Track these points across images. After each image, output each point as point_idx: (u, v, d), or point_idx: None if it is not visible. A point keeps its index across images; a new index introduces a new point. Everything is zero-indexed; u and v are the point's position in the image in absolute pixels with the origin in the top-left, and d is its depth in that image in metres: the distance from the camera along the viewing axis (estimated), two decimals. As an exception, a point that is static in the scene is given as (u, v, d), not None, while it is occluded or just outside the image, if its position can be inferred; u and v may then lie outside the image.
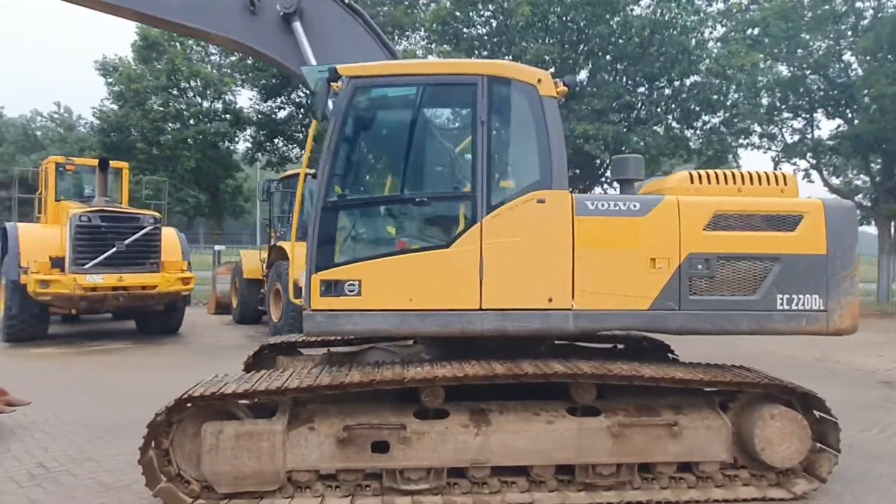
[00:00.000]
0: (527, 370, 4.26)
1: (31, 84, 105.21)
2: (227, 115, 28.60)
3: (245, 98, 28.85)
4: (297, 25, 5.43)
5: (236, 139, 29.50)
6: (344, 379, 4.21)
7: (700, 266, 4.53)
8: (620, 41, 20.14)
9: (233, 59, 25.81)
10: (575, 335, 4.69)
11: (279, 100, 27.89)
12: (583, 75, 21.92)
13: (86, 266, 10.29)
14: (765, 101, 25.79)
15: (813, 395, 4.42)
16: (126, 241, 10.53)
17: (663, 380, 4.32)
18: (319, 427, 4.20)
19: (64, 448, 5.37)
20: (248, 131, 30.08)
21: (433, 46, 22.82)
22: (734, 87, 20.83)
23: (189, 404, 4.15)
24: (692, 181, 4.81)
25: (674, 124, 22.06)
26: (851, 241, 4.64)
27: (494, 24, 22.49)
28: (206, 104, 26.89)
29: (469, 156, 4.44)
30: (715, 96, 20.71)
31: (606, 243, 4.50)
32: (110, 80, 26.54)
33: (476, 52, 21.65)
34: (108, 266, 10.39)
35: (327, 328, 4.40)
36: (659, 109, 21.56)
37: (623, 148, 20.45)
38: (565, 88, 4.60)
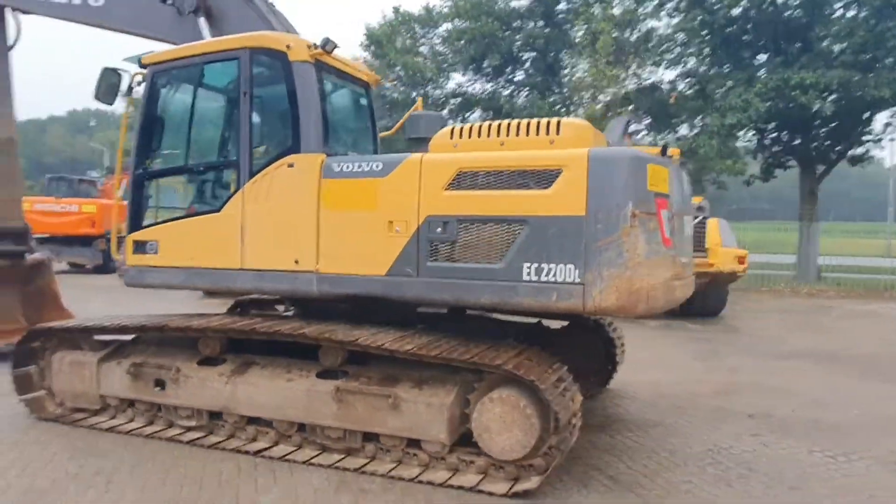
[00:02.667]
0: (261, 328, 4.47)
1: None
2: (456, 99, 30.57)
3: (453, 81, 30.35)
4: (201, 20, 6.21)
5: (465, 121, 31.44)
6: (142, 322, 4.97)
7: (439, 229, 4.12)
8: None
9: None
10: (320, 298, 4.61)
11: (500, 80, 28.87)
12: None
13: None
14: None
15: (535, 384, 3.72)
16: None
17: (370, 347, 4.10)
18: (123, 362, 5.02)
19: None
20: (477, 113, 31.67)
21: None
22: None
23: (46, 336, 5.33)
24: (452, 136, 4.33)
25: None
26: (619, 200, 3.70)
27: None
28: (423, 91, 29.14)
29: (241, 127, 4.73)
30: None
31: (349, 205, 4.39)
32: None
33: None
34: None
35: (137, 281, 5.16)
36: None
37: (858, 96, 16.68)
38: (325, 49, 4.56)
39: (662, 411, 5.67)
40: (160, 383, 4.86)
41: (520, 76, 28.51)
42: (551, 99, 25.24)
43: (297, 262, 4.53)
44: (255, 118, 4.72)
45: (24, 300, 7.98)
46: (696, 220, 10.71)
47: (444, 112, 31.53)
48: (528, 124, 4.15)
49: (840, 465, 4.43)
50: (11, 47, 7.76)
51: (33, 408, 5.28)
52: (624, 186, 3.73)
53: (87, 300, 10.83)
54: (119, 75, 5.02)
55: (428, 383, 4.18)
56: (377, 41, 28.01)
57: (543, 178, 3.88)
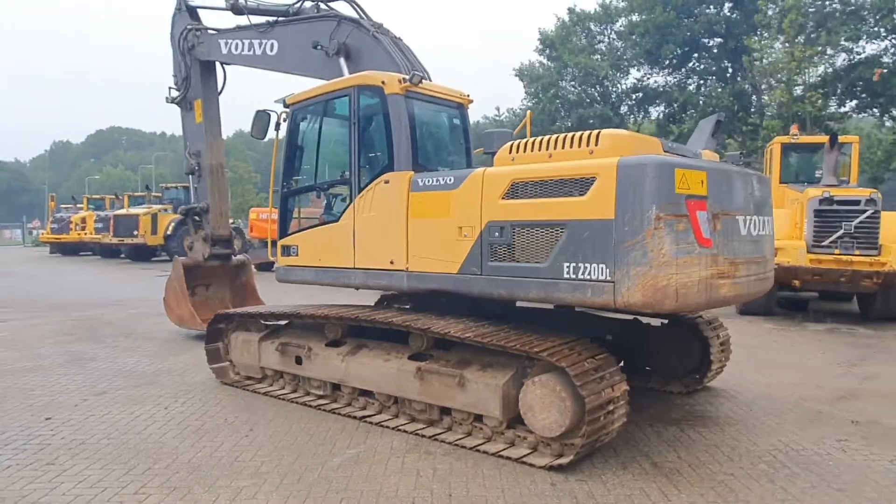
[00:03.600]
0: (363, 316, 5.47)
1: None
2: (637, 94, 29.89)
3: (632, 77, 29.34)
4: (341, 61, 7.41)
5: (646, 115, 30.51)
6: (284, 310, 6.27)
7: (497, 234, 4.75)
8: None
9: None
10: (409, 292, 5.39)
11: (682, 71, 27.75)
12: None
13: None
14: None
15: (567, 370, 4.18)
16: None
17: (448, 335, 4.84)
18: (275, 341, 6.36)
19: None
20: (661, 107, 30.66)
21: None
22: None
23: (228, 320, 6.88)
24: (510, 151, 4.90)
25: None
26: (645, 205, 4.03)
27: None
28: (600, 90, 28.76)
29: (351, 150, 5.79)
30: None
31: (429, 214, 5.19)
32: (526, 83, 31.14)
33: None
34: None
35: (284, 278, 6.45)
36: None
37: None
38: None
39: (753, 411, 5.63)
40: (298, 359, 6.11)
41: (701, 65, 27.05)
42: (736, 87, 23.62)
43: (392, 262, 5.44)
44: (363, 143, 5.72)
45: (232, 292, 10.05)
46: (866, 215, 9.80)
47: (624, 108, 31.01)
48: (572, 137, 4.60)
49: (923, 475, 4.21)
50: (220, 92, 9.81)
51: (219, 375, 6.88)
52: (648, 191, 4.05)
53: (290, 293, 12.93)
54: (268, 115, 6.37)
55: (491, 367, 4.84)
56: (550, 44, 28.39)
57: (580, 185, 4.33)
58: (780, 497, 3.88)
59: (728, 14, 24.48)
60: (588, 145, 4.50)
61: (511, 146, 4.95)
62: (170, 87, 9.97)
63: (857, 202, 10.02)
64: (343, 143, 5.95)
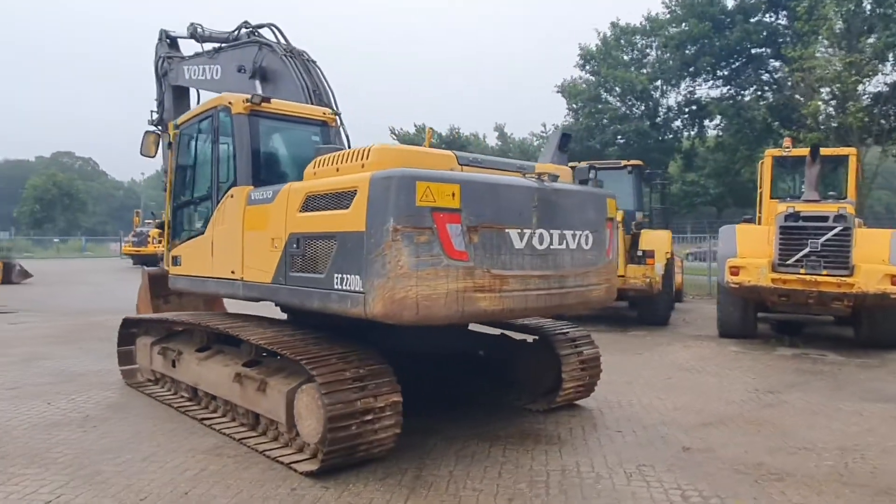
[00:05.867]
0: (205, 322, 5.77)
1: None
2: (690, 108, 28.81)
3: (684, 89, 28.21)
4: (256, 82, 7.84)
5: (701, 130, 29.29)
6: (167, 317, 6.67)
7: (295, 245, 4.91)
8: None
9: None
10: (245, 299, 5.60)
11: (731, 82, 26.60)
12: None
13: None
14: None
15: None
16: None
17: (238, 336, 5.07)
18: (160, 346, 6.76)
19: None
20: (716, 120, 29.44)
21: None
22: None
23: (135, 325, 7.38)
24: (314, 166, 5.05)
25: None
26: (385, 217, 4.07)
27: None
28: (648, 103, 27.83)
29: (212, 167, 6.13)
30: None
31: (256, 226, 5.42)
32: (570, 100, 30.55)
33: None
34: None
35: (173, 285, 6.85)
36: None
37: None
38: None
39: (595, 433, 5.43)
40: (173, 363, 6.48)
41: (741, 76, 25.80)
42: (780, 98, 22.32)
43: (232, 272, 5.71)
44: (220, 160, 6.04)
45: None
46: (834, 232, 9.10)
47: (678, 123, 29.91)
48: (352, 153, 4.71)
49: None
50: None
51: (126, 376, 7.36)
52: (389, 203, 4.09)
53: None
54: (157, 135, 6.85)
55: (293, 375, 4.98)
56: (590, 59, 27.94)
57: (346, 199, 4.43)
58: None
59: (769, 21, 23.21)
60: (361, 159, 4.59)
61: (316, 161, 5.11)
62: (151, 111, 10.82)
63: (825, 218, 9.29)
64: (207, 160, 6.30)
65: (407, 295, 4.06)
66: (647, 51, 28.39)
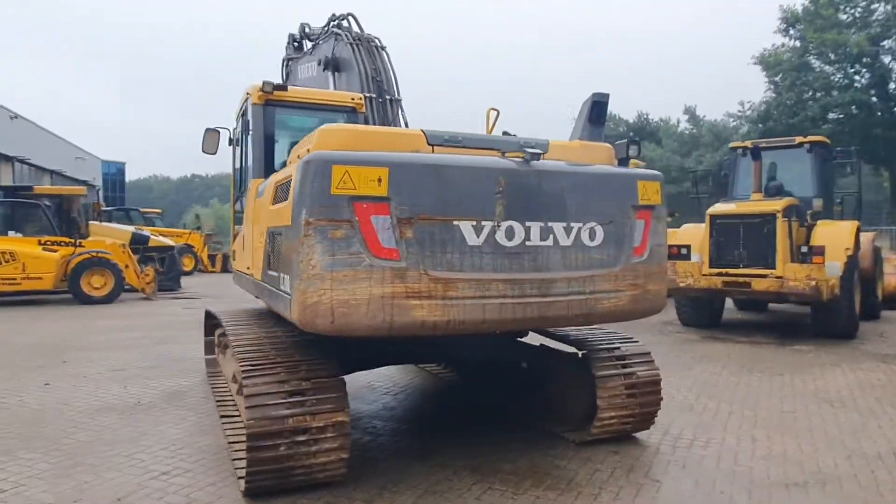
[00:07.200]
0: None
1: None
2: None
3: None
4: (328, 73, 7.61)
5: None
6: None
7: (269, 241, 4.54)
8: None
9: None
10: (257, 298, 5.25)
11: None
12: None
13: None
14: None
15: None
16: None
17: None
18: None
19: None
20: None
21: None
22: None
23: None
24: (295, 154, 4.59)
25: None
26: (299, 208, 3.50)
27: None
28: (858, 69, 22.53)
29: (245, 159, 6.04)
30: None
31: (256, 221, 5.17)
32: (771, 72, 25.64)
33: None
34: None
35: (235, 281, 6.90)
36: None
37: None
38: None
39: (625, 477, 4.26)
40: (224, 352, 6.54)
41: None
42: None
43: (248, 267, 5.54)
44: (247, 151, 5.92)
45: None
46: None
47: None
48: (309, 136, 4.17)
49: None
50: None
51: (209, 365, 7.69)
52: (303, 192, 3.51)
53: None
54: (218, 132, 6.94)
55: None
56: (795, 22, 23.68)
57: (287, 188, 3.93)
58: None
59: None
60: (309, 143, 4.05)
61: (295, 148, 4.68)
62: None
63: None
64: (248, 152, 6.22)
65: (320, 300, 3.45)
66: (875, 4, 23.02)
